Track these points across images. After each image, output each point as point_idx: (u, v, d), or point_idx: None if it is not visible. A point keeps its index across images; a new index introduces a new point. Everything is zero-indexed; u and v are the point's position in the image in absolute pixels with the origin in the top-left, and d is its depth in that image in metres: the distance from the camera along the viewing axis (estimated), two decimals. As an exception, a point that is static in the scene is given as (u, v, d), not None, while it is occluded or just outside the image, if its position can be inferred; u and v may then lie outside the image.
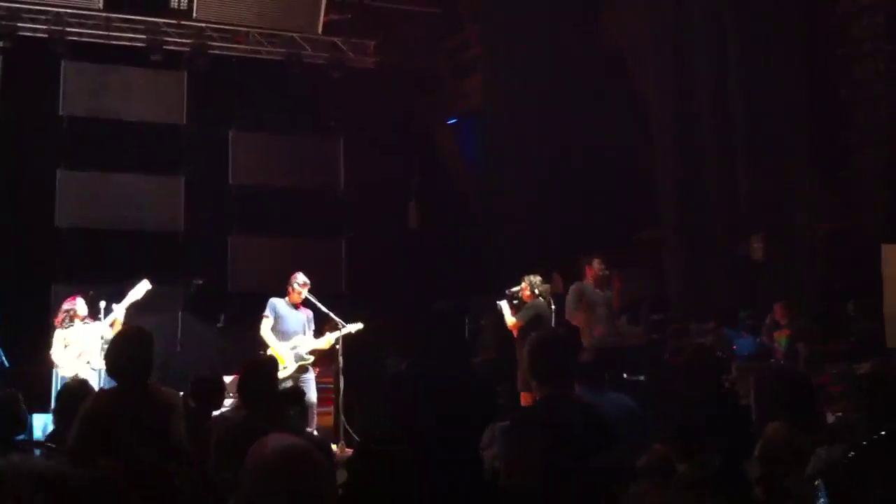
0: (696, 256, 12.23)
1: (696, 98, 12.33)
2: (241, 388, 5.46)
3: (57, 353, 9.56)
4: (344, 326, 10.03)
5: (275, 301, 9.88)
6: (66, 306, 9.83)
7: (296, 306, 9.91)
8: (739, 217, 12.19)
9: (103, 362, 6.76)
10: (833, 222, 11.87)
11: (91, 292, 11.20)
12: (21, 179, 13.15)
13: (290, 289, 9.88)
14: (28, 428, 5.80)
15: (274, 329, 9.76)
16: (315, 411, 9.77)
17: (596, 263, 10.26)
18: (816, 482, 4.40)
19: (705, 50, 12.21)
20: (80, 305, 9.81)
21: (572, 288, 10.53)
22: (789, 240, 11.76)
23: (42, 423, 8.81)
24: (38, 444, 4.75)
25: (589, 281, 10.42)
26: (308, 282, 9.92)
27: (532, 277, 10.42)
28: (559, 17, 14.09)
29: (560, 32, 14.10)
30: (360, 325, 10.07)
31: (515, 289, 10.49)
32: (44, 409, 8.93)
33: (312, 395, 9.70)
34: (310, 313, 10.03)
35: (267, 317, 9.79)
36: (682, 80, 12.43)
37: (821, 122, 11.75)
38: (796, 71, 11.81)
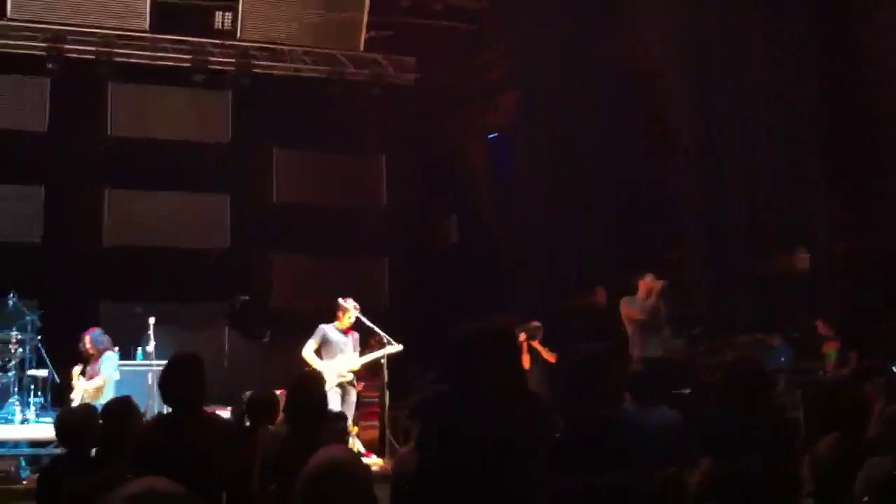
0: (721, 275, 12.22)
1: (720, 118, 12.31)
2: (287, 403, 5.50)
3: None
4: (390, 344, 9.99)
5: (324, 328, 9.94)
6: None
7: (345, 331, 9.99)
8: (763, 235, 12.17)
9: None
10: (855, 241, 11.78)
11: (139, 310, 11.38)
12: (69, 199, 13.39)
13: (339, 314, 9.94)
14: None
15: (319, 354, 9.84)
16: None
17: (648, 278, 10.31)
18: (865, 498, 4.35)
19: (728, 68, 12.19)
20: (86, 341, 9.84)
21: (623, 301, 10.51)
22: (812, 258, 11.75)
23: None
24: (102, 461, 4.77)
25: (640, 294, 10.39)
26: (357, 306, 9.99)
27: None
28: (586, 36, 14.07)
29: (587, 52, 14.08)
30: (399, 347, 10.03)
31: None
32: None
33: (350, 411, 9.79)
34: (356, 336, 10.10)
35: (312, 340, 9.87)
36: (705, 99, 12.41)
37: (844, 141, 11.68)
38: (819, 89, 11.76)
